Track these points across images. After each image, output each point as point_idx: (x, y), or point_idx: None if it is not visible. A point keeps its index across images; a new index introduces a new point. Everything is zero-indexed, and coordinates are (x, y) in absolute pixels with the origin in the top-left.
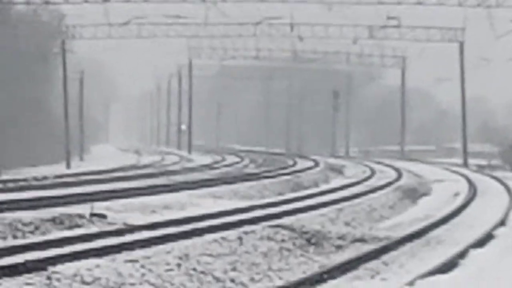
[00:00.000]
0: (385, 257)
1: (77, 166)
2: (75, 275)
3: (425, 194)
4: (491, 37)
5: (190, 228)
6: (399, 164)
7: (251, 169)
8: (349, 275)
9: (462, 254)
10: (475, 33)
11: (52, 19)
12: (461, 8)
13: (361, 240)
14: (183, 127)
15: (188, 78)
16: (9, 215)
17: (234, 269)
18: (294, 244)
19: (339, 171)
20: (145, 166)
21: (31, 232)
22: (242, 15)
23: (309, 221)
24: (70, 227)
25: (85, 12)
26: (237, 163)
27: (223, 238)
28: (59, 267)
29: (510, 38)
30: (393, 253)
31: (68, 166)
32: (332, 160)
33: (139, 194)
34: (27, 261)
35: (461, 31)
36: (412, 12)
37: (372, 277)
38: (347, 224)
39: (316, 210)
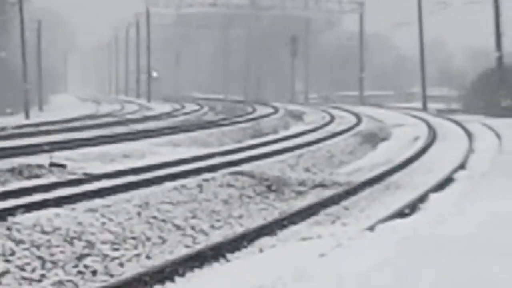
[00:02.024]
0: (346, 202)
1: (36, 117)
2: (35, 225)
3: (384, 138)
4: None
5: (149, 177)
6: (359, 109)
7: (210, 117)
8: (310, 220)
9: (422, 198)
10: None
11: None
12: None
13: (322, 185)
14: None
15: (146, 27)
16: None
17: (194, 217)
18: (254, 191)
19: (298, 117)
20: (104, 115)
21: None
22: None
23: (269, 167)
24: (29, 177)
25: None
26: (196, 111)
27: (183, 186)
28: (19, 218)
29: None
30: (353, 198)
31: (27, 116)
32: (291, 107)
33: (98, 143)
34: None
35: None
36: None
37: (333, 222)
38: (307, 170)
39: (275, 157)
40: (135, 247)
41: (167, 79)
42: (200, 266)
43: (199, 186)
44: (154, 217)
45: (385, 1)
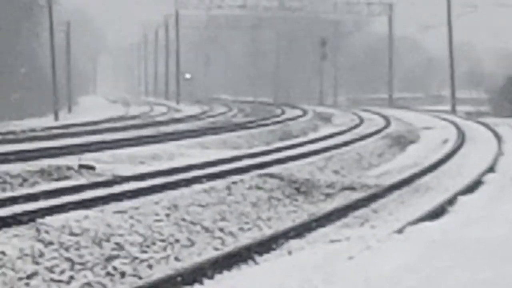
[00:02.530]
0: (374, 205)
1: (65, 118)
2: (63, 226)
3: (413, 141)
4: None
5: (178, 179)
6: (388, 112)
7: (239, 119)
8: (338, 223)
9: (451, 201)
10: None
11: None
12: None
13: (350, 188)
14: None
15: (175, 29)
16: None
17: (223, 219)
18: (283, 193)
19: (327, 119)
20: (133, 117)
21: (20, 185)
22: None
23: (298, 169)
24: (59, 179)
25: None
26: (225, 112)
27: (211, 188)
28: (47, 219)
29: None
30: (382, 201)
31: (56, 118)
32: (320, 109)
33: (127, 145)
34: (15, 213)
35: None
36: None
37: (361, 224)
38: (336, 172)
39: (304, 159)
40: (164, 249)
41: (197, 81)
42: (229, 268)
43: (228, 188)
44: (183, 219)
45: (413, 3)
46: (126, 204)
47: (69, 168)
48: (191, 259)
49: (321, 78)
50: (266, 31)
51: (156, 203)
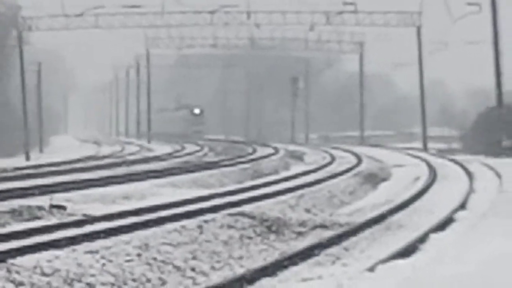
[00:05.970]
0: (346, 243)
1: (37, 158)
2: (35, 267)
3: (385, 179)
4: (448, 21)
5: (150, 218)
6: (359, 149)
7: (211, 158)
8: (310, 261)
9: (422, 239)
10: (432, 17)
11: (7, 10)
12: None
13: (322, 226)
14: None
15: (146, 68)
16: None
17: (194, 258)
18: (254, 231)
19: (299, 158)
20: (104, 157)
21: None
22: (198, 4)
23: (269, 208)
24: (30, 219)
25: (41, 3)
26: (196, 151)
27: (183, 227)
28: (18, 259)
29: (467, 21)
30: (353, 239)
31: (27, 158)
32: (292, 147)
33: (99, 184)
34: None
35: (418, 15)
36: None
37: (333, 262)
38: (307, 210)
39: (276, 197)
40: None
41: None
42: None
43: (199, 227)
44: (154, 259)
45: (385, 41)
46: (97, 244)
47: (40, 208)
48: None
49: (292, 116)
50: (237, 69)
51: (128, 242)
